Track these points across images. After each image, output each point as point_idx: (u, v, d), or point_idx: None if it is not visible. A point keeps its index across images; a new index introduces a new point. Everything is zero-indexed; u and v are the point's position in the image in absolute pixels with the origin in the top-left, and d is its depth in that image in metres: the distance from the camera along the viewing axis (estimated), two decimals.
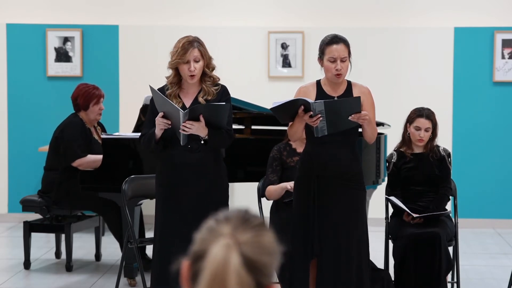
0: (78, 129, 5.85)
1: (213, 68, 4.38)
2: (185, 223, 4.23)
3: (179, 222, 4.26)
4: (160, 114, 4.23)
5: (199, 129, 4.19)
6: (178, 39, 4.37)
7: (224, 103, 4.26)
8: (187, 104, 4.34)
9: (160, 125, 4.24)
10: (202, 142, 4.29)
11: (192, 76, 4.30)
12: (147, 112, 4.50)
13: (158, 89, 4.33)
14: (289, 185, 4.90)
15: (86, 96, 5.88)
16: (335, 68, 4.35)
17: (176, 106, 4.19)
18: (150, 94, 6.49)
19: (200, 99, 4.33)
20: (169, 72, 4.39)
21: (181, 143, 4.24)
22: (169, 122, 4.23)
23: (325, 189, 4.35)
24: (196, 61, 4.29)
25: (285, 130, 4.57)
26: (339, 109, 4.25)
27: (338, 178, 4.36)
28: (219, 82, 4.42)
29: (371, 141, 4.49)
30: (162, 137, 4.29)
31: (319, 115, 4.20)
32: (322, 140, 4.33)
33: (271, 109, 4.27)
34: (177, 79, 4.37)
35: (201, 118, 4.17)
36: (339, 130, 4.30)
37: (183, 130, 4.17)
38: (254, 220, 1.51)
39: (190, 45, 4.29)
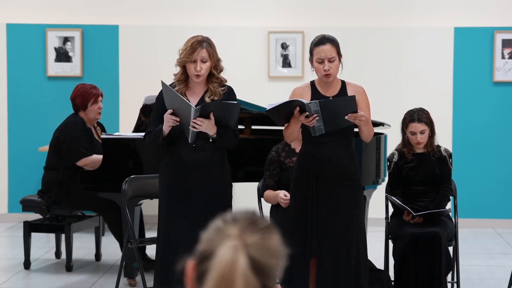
0: (80, 128, 5.84)
1: (221, 70, 4.37)
2: (190, 223, 4.21)
3: (183, 222, 4.24)
4: (169, 111, 4.21)
5: (208, 126, 4.18)
6: (188, 38, 4.36)
7: (235, 102, 4.26)
8: (193, 103, 4.32)
9: (169, 122, 4.21)
10: (211, 140, 4.28)
11: (197, 76, 4.29)
12: (153, 111, 4.48)
13: None
14: (283, 199, 4.89)
15: (84, 96, 5.87)
16: (323, 69, 4.35)
17: (188, 102, 4.16)
18: (150, 94, 6.53)
19: (207, 99, 4.32)
20: (177, 69, 4.38)
21: (189, 140, 4.22)
22: (178, 119, 4.21)
23: (323, 189, 4.36)
24: (203, 62, 4.28)
25: None
26: (335, 109, 4.25)
27: (335, 178, 4.36)
28: (226, 83, 4.42)
29: (368, 140, 4.50)
30: (169, 134, 4.28)
31: (315, 115, 4.20)
32: (319, 141, 4.33)
33: (267, 111, 4.27)
34: (185, 77, 4.36)
35: (211, 116, 4.16)
36: (337, 128, 4.29)
37: (193, 127, 4.15)
38: (262, 222, 1.51)
39: (198, 44, 4.28)
